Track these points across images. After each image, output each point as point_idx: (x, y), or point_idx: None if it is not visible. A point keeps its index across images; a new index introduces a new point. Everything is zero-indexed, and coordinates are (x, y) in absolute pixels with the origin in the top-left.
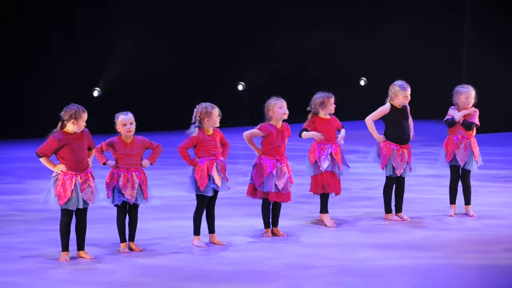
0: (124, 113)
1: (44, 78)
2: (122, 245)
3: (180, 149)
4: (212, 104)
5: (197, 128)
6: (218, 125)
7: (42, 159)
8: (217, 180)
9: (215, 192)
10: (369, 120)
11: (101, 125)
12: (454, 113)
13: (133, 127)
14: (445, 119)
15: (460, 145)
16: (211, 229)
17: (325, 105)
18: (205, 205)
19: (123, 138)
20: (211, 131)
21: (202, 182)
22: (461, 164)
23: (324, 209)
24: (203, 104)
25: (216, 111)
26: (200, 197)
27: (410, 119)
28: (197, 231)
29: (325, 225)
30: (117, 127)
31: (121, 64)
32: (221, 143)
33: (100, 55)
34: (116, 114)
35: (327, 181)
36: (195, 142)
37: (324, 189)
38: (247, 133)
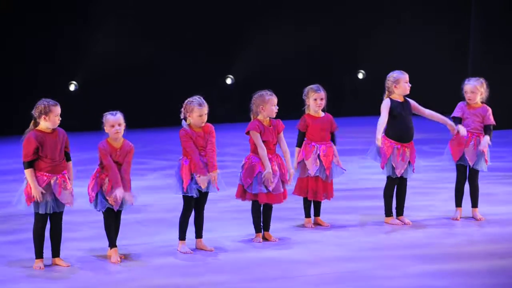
0: (112, 113)
1: (17, 72)
2: (111, 251)
3: (188, 153)
4: (200, 100)
5: (185, 122)
6: (202, 124)
7: (27, 171)
8: (201, 180)
9: (204, 193)
10: (381, 125)
11: (79, 121)
12: (462, 110)
13: (120, 129)
14: (453, 116)
15: (469, 143)
16: (199, 234)
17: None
18: (192, 208)
19: (111, 141)
20: (199, 128)
21: (186, 181)
22: (471, 164)
23: (307, 213)
24: (191, 99)
25: (201, 110)
26: (186, 199)
27: (430, 112)
28: (182, 236)
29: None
30: (104, 128)
31: (102, 57)
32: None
33: (79, 48)
34: (104, 114)
35: (311, 187)
36: (189, 138)
37: (307, 194)
38: (260, 150)
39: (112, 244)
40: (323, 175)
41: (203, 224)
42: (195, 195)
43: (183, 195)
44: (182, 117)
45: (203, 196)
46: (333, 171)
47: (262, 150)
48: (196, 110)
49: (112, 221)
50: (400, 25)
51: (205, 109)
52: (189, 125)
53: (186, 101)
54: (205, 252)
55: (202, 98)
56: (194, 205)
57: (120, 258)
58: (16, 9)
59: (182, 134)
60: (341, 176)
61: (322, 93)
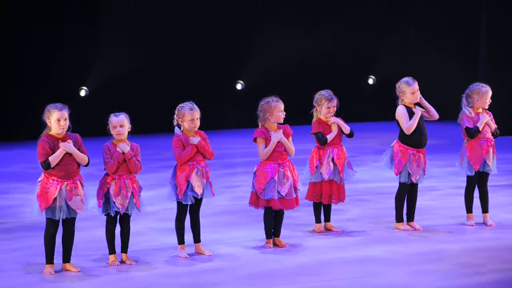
0: (116, 114)
1: (26, 78)
2: (111, 257)
3: (178, 159)
4: (191, 105)
5: (178, 129)
6: (195, 128)
7: (51, 161)
8: (197, 187)
9: (199, 199)
10: (410, 128)
11: (89, 127)
12: (472, 119)
13: (123, 130)
14: (468, 128)
15: (489, 149)
16: (196, 239)
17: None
18: (186, 212)
19: (115, 142)
20: (193, 134)
21: (181, 189)
22: (491, 169)
23: (317, 219)
24: (182, 104)
25: (193, 114)
26: (180, 205)
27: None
28: (180, 240)
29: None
30: (109, 129)
31: (112, 62)
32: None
33: (89, 53)
34: (110, 115)
35: (326, 191)
36: (181, 144)
37: (321, 198)
38: (262, 155)
39: (112, 250)
40: (337, 178)
41: (199, 228)
42: (190, 202)
43: (177, 201)
44: (175, 123)
45: (197, 202)
46: (345, 173)
47: (267, 152)
48: (187, 115)
49: (113, 227)
50: (410, 30)
51: (197, 113)
52: (182, 131)
53: (178, 107)
54: (209, 257)
55: (193, 103)
56: (189, 210)
57: (131, 263)
58: (19, 12)
59: (174, 140)
60: (352, 180)
61: (335, 102)
